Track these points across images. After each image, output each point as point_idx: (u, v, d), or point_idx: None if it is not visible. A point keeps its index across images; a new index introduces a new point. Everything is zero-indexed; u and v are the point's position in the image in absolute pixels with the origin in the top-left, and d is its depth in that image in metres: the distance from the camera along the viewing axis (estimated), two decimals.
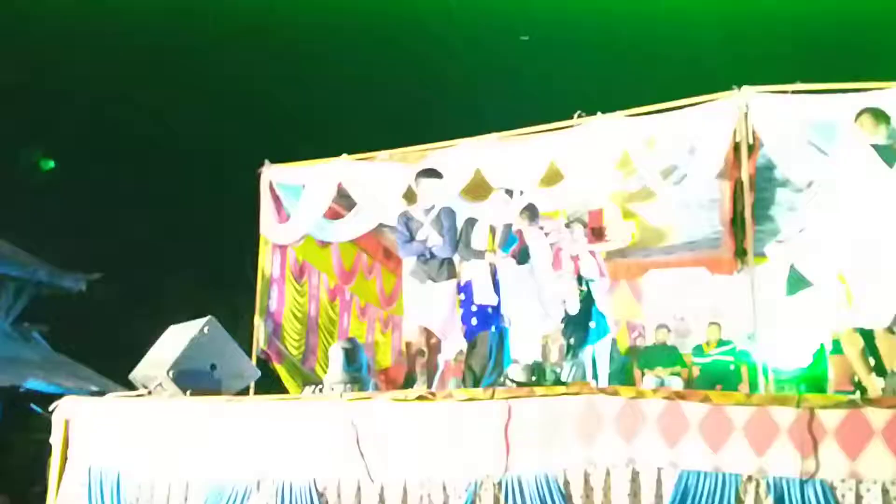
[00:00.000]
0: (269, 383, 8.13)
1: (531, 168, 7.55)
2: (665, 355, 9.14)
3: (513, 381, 3.78)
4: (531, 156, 7.59)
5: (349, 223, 8.45)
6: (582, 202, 7.98)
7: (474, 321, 6.04)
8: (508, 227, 6.49)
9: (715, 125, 6.97)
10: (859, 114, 4.99)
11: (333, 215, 8.58)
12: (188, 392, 5.40)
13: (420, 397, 3.55)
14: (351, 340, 5.60)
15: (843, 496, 2.97)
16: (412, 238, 6.27)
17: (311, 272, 9.33)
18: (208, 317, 5.87)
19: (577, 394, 3.32)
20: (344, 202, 8.47)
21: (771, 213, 8.27)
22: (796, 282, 4.79)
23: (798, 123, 6.71)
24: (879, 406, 2.96)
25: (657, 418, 3.22)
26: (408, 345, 6.72)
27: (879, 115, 4.93)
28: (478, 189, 7.78)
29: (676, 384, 8.83)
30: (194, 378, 5.55)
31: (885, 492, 2.93)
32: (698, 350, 9.20)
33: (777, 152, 6.72)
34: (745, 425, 3.12)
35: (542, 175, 7.54)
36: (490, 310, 6.08)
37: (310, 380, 8.76)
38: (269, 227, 8.51)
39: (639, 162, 7.26)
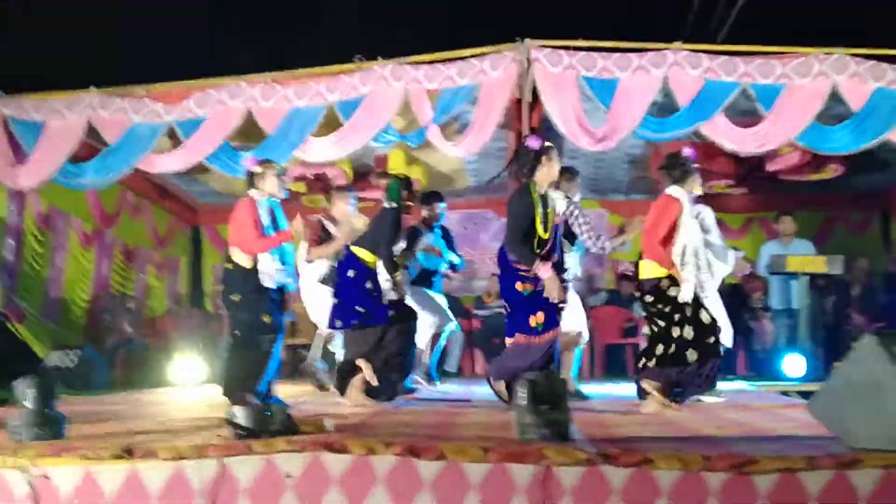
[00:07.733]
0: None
1: (307, 115, 6.98)
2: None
3: (235, 425, 3.20)
4: (307, 102, 7.01)
5: (99, 166, 7.38)
6: (366, 149, 7.46)
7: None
8: None
9: (497, 76, 6.69)
10: None
11: (83, 156, 7.50)
12: None
13: (117, 457, 2.95)
14: None
15: None
16: None
17: (59, 218, 8.25)
18: None
19: (300, 451, 2.89)
20: (95, 141, 7.42)
21: None
22: None
23: (577, 79, 6.59)
24: (617, 465, 2.75)
25: (386, 476, 2.87)
26: None
27: None
28: (249, 135, 7.09)
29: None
30: None
31: None
32: (479, 302, 9.13)
33: (554, 107, 6.56)
34: (482, 484, 2.83)
35: (320, 122, 6.98)
36: None
37: (58, 339, 7.89)
38: (4, 170, 7.34)
39: (420, 111, 6.86)
